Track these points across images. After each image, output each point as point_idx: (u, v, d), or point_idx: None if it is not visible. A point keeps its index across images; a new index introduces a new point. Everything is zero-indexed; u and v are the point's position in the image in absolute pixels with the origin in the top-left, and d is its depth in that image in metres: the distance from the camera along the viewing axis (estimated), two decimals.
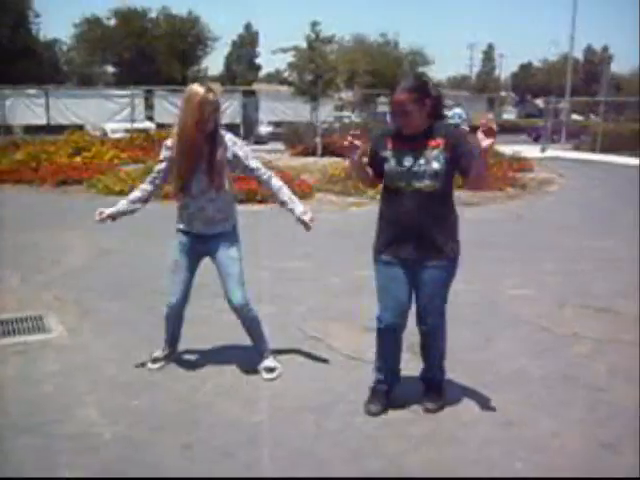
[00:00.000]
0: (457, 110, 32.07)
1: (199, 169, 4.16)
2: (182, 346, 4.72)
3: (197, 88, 4.10)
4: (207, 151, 4.16)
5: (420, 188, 3.66)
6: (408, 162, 3.69)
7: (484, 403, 4.17)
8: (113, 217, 4.40)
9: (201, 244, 4.36)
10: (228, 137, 4.30)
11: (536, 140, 30.84)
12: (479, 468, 3.46)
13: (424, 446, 3.67)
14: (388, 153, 3.78)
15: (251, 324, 4.53)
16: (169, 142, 4.30)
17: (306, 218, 4.33)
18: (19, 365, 4.67)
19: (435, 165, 3.64)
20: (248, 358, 4.71)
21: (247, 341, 4.84)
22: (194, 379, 4.47)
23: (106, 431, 3.77)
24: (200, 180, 4.18)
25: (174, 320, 4.59)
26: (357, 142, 3.79)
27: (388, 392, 4.12)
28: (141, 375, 4.49)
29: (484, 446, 3.67)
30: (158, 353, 4.66)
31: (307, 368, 4.63)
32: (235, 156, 4.27)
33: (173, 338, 4.66)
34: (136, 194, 4.46)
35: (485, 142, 3.43)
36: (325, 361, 4.79)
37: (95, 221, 4.34)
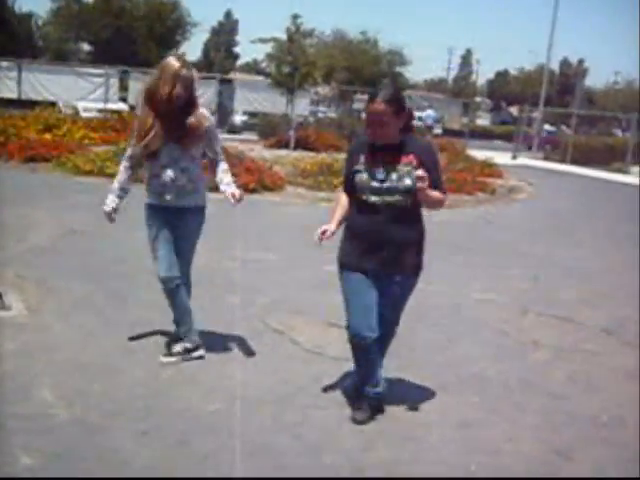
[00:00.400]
0: (430, 112, 32.47)
1: (171, 137, 4.18)
2: (143, 331, 4.67)
3: (173, 61, 4.16)
4: (180, 120, 4.18)
5: (391, 203, 3.66)
6: (380, 176, 3.67)
7: (442, 404, 4.20)
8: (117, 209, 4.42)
9: (172, 216, 4.33)
10: (205, 113, 4.36)
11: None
12: (434, 468, 3.48)
13: (381, 444, 3.68)
14: (361, 166, 3.74)
15: (172, 303, 4.48)
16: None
17: (230, 190, 4.34)
18: None
19: (407, 181, 3.62)
20: (209, 347, 4.68)
21: (211, 329, 4.83)
22: (155, 365, 4.43)
23: (63, 413, 3.72)
24: (172, 148, 4.20)
25: (178, 291, 4.45)
26: (328, 234, 3.76)
27: (375, 399, 4.00)
28: (101, 358, 4.44)
29: (440, 446, 3.70)
30: (178, 348, 4.52)
31: (269, 360, 4.62)
32: (207, 132, 4.32)
33: (177, 324, 4.56)
34: (124, 176, 4.41)
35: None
36: (287, 354, 4.79)
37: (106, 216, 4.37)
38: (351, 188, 3.81)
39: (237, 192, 4.29)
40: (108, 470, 3.23)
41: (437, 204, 3.78)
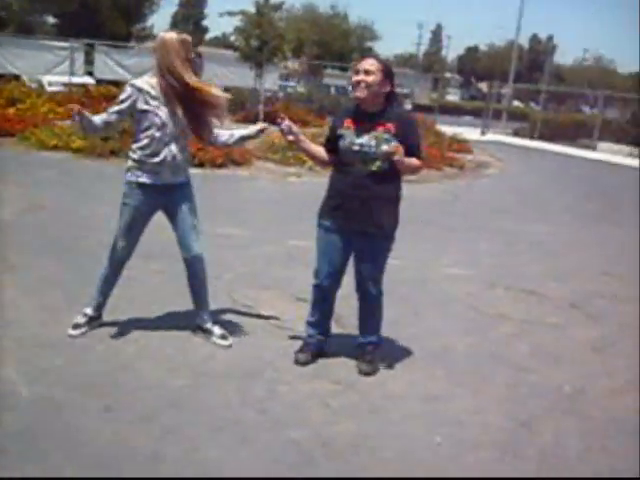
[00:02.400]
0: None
1: (178, 113, 4.13)
2: (109, 307, 4.61)
3: (170, 33, 4.13)
4: (189, 95, 4.13)
5: (369, 167, 3.94)
6: (360, 141, 3.94)
7: (409, 378, 4.22)
8: (83, 118, 4.08)
9: (163, 195, 4.27)
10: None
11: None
12: (400, 442, 3.49)
13: (347, 418, 3.69)
14: (344, 131, 4.02)
15: (203, 279, 4.49)
16: (140, 83, 4.16)
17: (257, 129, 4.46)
18: None
19: (384, 147, 3.88)
20: (175, 322, 4.65)
21: (176, 305, 4.80)
22: (119, 341, 4.38)
23: (25, 390, 3.67)
24: (177, 124, 4.15)
25: (112, 276, 4.47)
26: (285, 124, 4.06)
27: (318, 345, 4.39)
28: (64, 335, 4.37)
29: (406, 420, 3.72)
30: (79, 319, 4.47)
31: (235, 335, 4.59)
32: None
33: (104, 297, 4.52)
34: (104, 117, 4.23)
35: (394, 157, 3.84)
36: (253, 328, 4.77)
37: (70, 112, 4.05)
38: (330, 150, 4.15)
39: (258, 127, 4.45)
40: (71, 447, 3.19)
41: (414, 171, 4.16)
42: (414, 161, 3.99)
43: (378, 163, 3.92)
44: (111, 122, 4.23)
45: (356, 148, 3.95)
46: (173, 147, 4.17)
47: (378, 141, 3.90)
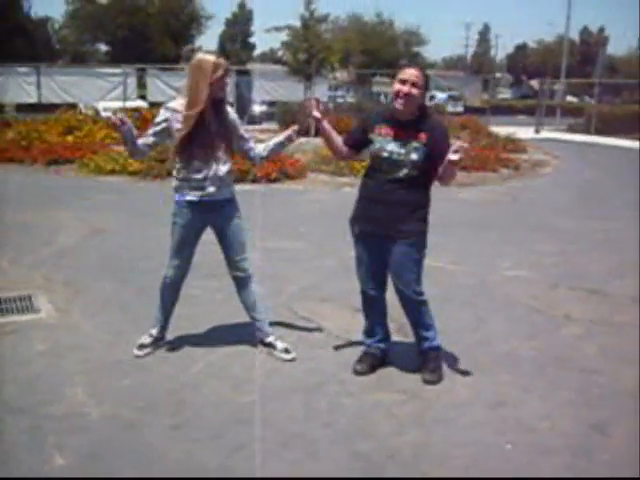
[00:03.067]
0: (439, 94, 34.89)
1: (212, 134, 4.19)
2: (172, 327, 4.68)
3: (207, 55, 4.21)
4: (221, 115, 4.23)
5: (398, 175, 3.97)
6: (390, 149, 3.98)
7: (475, 384, 4.17)
8: (124, 125, 4.14)
9: (210, 212, 4.33)
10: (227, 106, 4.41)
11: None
12: (469, 450, 3.45)
13: (414, 427, 3.66)
14: (375, 137, 4.07)
15: (255, 295, 4.51)
16: (175, 105, 4.26)
17: (288, 133, 4.49)
18: (8, 345, 4.63)
19: (414, 156, 3.93)
20: (238, 338, 4.69)
21: (237, 321, 4.83)
22: (184, 359, 4.44)
23: (94, 411, 3.75)
24: (207, 145, 4.21)
25: (170, 295, 4.54)
26: (316, 113, 4.09)
27: (377, 355, 4.39)
28: (130, 356, 4.45)
29: (474, 427, 3.66)
30: (145, 339, 4.56)
31: (297, 348, 4.60)
32: (233, 122, 4.37)
33: (165, 318, 4.60)
34: (143, 140, 4.33)
35: (453, 157, 3.74)
36: (315, 341, 4.77)
37: (109, 121, 4.18)
38: (351, 145, 4.26)
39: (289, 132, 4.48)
40: (141, 466, 3.24)
41: (452, 179, 4.04)
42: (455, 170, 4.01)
43: (405, 170, 3.95)
44: (149, 144, 4.34)
45: (385, 155, 3.99)
46: (213, 163, 4.24)
47: (407, 149, 3.94)
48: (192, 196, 4.28)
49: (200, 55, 4.24)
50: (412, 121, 3.98)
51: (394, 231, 4.03)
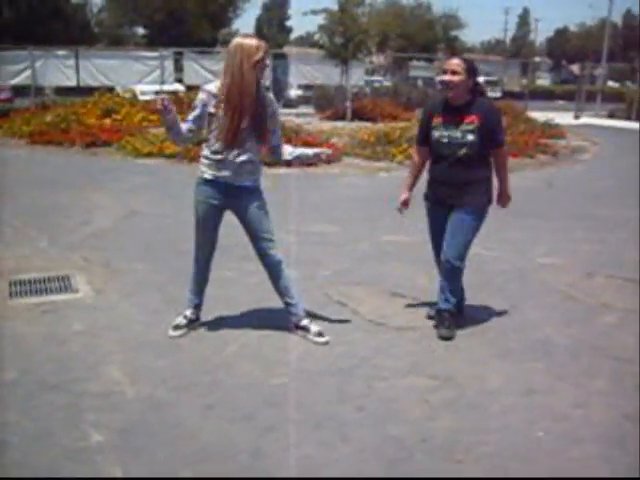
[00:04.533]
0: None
1: (246, 119, 4.18)
2: (207, 308, 4.73)
3: (246, 37, 4.21)
4: (257, 102, 4.21)
5: (457, 155, 4.43)
6: (447, 133, 4.44)
7: (507, 371, 4.15)
8: (169, 113, 4.18)
9: (228, 196, 4.35)
10: (269, 96, 4.39)
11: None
12: (500, 436, 3.44)
13: (446, 413, 3.65)
14: (433, 125, 4.53)
15: (286, 282, 4.53)
16: (211, 88, 4.26)
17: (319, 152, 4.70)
18: (46, 324, 4.72)
19: (470, 137, 4.38)
20: (272, 321, 4.72)
21: (272, 304, 4.85)
22: (218, 341, 4.49)
23: (130, 390, 3.81)
24: (244, 131, 4.21)
25: (196, 274, 4.60)
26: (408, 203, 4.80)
27: (454, 316, 4.68)
28: (165, 336, 4.51)
29: (506, 414, 3.65)
30: (180, 320, 4.61)
31: (331, 332, 4.61)
32: (273, 114, 4.36)
33: (198, 298, 4.66)
34: (187, 125, 4.33)
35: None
36: (349, 325, 4.79)
37: (156, 106, 4.16)
38: (423, 140, 4.67)
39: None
40: (174, 445, 3.29)
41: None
42: (505, 161, 4.64)
43: (465, 150, 4.40)
44: (193, 129, 4.35)
45: (445, 140, 4.46)
46: (236, 148, 4.24)
47: (463, 132, 4.39)
48: (208, 174, 4.33)
49: (240, 37, 4.24)
50: (464, 105, 4.42)
51: (458, 204, 4.49)
